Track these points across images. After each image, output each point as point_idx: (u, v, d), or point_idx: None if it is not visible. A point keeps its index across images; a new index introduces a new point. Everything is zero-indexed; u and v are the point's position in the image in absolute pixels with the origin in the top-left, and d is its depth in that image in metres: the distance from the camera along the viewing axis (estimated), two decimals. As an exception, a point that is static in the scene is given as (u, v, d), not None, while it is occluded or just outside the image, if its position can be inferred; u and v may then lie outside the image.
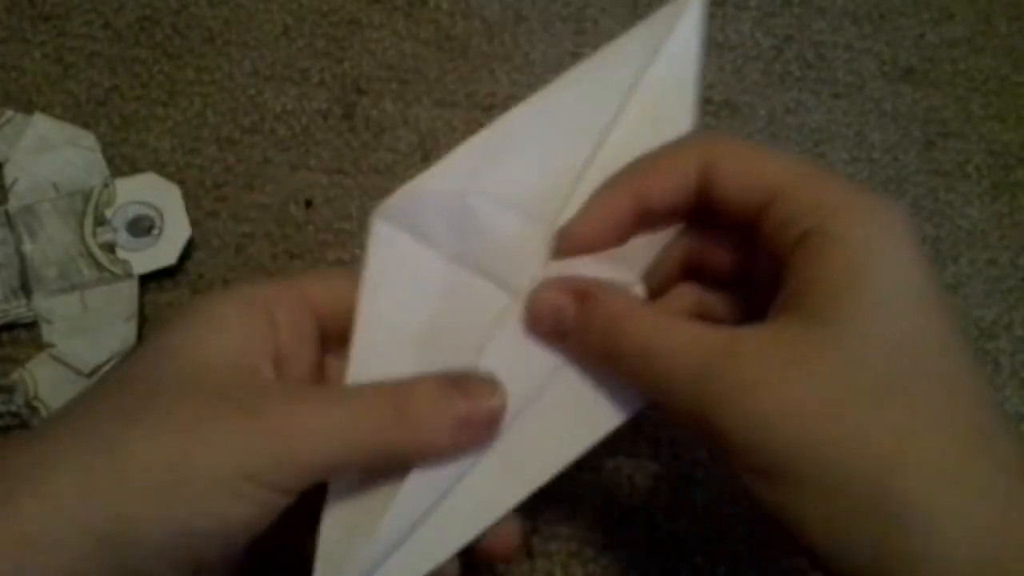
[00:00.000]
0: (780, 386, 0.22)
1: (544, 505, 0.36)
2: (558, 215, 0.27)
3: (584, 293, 0.25)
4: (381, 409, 0.24)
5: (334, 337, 0.28)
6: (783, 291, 0.23)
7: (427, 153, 0.43)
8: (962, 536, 0.20)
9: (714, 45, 0.46)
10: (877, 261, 0.22)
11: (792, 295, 0.23)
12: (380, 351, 0.27)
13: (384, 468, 0.25)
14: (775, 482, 0.22)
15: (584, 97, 0.28)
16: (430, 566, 0.25)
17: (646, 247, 0.27)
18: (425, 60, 0.45)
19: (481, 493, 0.25)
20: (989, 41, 0.47)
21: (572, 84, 0.28)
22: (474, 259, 0.27)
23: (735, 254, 0.27)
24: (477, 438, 0.25)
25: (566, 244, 0.26)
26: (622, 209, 0.26)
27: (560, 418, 0.26)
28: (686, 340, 0.23)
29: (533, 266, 0.27)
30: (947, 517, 0.20)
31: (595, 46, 0.45)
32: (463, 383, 0.25)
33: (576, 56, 0.45)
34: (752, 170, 0.24)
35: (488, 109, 0.44)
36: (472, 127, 0.43)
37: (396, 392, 0.24)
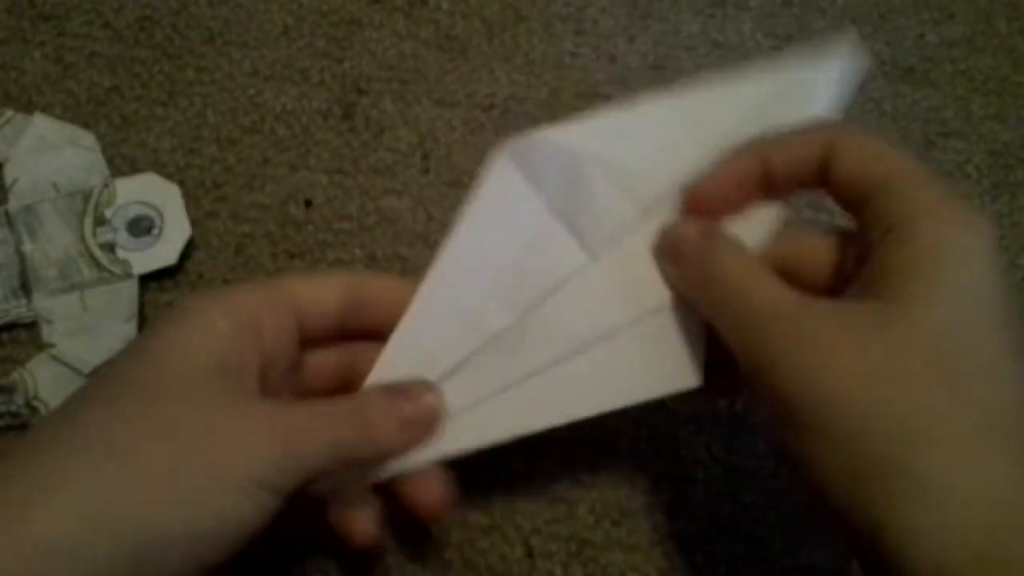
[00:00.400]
0: (832, 347, 0.24)
1: (544, 505, 0.36)
2: (663, 206, 0.30)
3: (711, 227, 0.28)
4: (343, 417, 0.27)
5: (311, 335, 0.30)
6: (860, 277, 0.25)
7: (427, 153, 0.43)
8: (970, 520, 0.21)
9: (714, 45, 0.46)
10: (950, 258, 0.24)
11: (867, 279, 0.25)
12: (458, 272, 0.30)
13: (352, 472, 0.28)
14: (805, 435, 0.23)
15: (719, 114, 0.30)
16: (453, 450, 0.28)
17: (751, 233, 0.29)
18: (425, 60, 0.45)
19: (520, 406, 0.29)
20: (989, 41, 0.47)
21: (713, 97, 0.30)
22: (570, 218, 0.30)
23: (822, 268, 0.28)
24: (422, 433, 0.28)
25: (693, 193, 0.29)
26: (748, 169, 0.28)
27: (600, 373, 0.29)
28: (777, 291, 0.26)
29: (622, 240, 0.30)
30: (959, 500, 0.21)
31: (595, 46, 0.46)
32: (405, 389, 0.28)
33: (576, 56, 0.45)
34: (869, 160, 0.26)
35: (488, 109, 0.44)
36: (472, 127, 0.43)
37: (353, 402, 0.28)
